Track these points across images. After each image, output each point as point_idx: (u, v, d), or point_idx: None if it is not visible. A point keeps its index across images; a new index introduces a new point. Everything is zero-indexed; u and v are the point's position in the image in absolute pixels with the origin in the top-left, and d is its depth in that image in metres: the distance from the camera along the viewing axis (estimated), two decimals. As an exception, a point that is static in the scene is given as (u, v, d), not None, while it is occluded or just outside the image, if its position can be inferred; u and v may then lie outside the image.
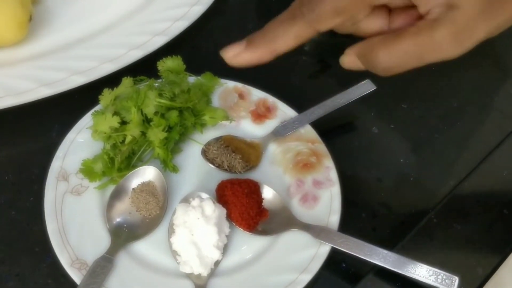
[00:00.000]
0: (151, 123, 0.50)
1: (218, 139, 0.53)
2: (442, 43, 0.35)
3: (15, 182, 0.52)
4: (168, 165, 0.51)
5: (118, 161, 0.49)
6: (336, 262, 0.47)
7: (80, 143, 0.52)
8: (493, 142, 0.56)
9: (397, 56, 0.36)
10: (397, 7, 0.39)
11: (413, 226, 0.50)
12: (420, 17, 0.37)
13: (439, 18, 0.35)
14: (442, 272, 0.44)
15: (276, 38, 0.37)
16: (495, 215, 0.51)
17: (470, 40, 0.36)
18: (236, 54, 0.39)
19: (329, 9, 0.36)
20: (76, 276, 0.43)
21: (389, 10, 0.40)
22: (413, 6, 0.38)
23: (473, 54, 0.38)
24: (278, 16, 0.38)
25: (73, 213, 0.47)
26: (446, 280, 0.44)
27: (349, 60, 0.40)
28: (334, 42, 0.71)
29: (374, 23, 0.40)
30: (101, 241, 0.46)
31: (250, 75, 0.61)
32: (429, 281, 0.43)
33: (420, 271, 0.44)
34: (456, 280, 0.43)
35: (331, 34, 0.70)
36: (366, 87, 0.57)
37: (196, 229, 0.45)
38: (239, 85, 0.58)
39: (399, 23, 0.40)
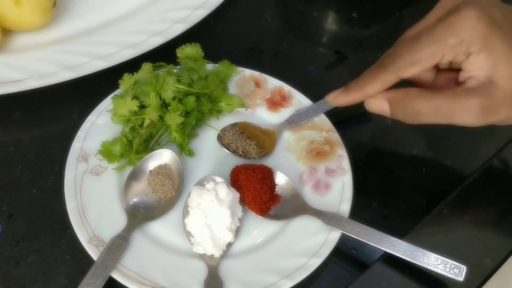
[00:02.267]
0: (169, 108, 0.51)
1: (233, 125, 0.54)
2: (471, 111, 0.41)
3: (37, 162, 0.53)
4: (184, 149, 0.52)
5: (136, 143, 0.50)
6: (346, 248, 0.48)
7: (100, 125, 0.53)
8: (506, 136, 0.56)
9: (431, 108, 0.42)
10: (444, 68, 0.46)
11: (423, 216, 0.50)
12: (457, 83, 0.43)
13: (476, 89, 0.41)
14: (450, 261, 0.44)
15: (367, 84, 0.46)
16: (505, 207, 0.51)
17: (494, 117, 0.41)
18: (336, 97, 0.49)
19: (407, 61, 0.43)
20: (93, 253, 0.45)
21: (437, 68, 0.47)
22: (457, 70, 0.44)
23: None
24: (370, 67, 0.47)
25: (92, 193, 0.49)
26: (454, 269, 0.44)
27: (377, 103, 0.45)
28: (350, 34, 0.72)
29: (425, 75, 0.47)
30: (118, 220, 0.48)
31: (267, 65, 0.63)
32: (438, 269, 0.44)
33: (428, 260, 0.45)
34: (464, 269, 0.44)
35: (348, 26, 0.71)
36: (381, 79, 0.57)
37: (210, 211, 0.46)
38: (256, 74, 0.59)
39: (441, 82, 0.47)
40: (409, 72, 0.43)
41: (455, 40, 0.41)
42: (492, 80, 0.40)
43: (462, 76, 0.42)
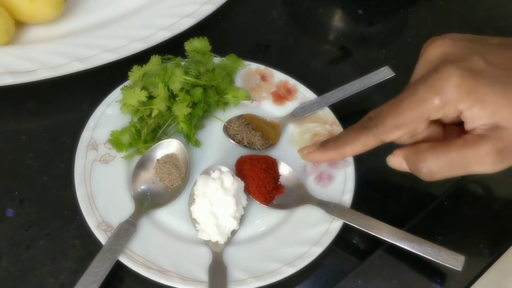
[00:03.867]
0: (176, 99, 0.53)
1: (239, 117, 0.56)
2: (486, 158, 0.38)
3: (48, 150, 0.55)
4: (191, 139, 0.53)
5: (144, 133, 0.52)
6: (347, 238, 0.49)
7: (110, 115, 0.54)
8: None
9: (443, 162, 0.40)
10: (448, 122, 0.43)
11: (424, 208, 0.51)
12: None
13: (486, 135, 0.39)
14: (449, 251, 0.45)
15: (346, 144, 0.44)
16: (504, 201, 0.52)
17: (511, 159, 0.39)
18: (310, 153, 0.47)
19: (390, 125, 0.41)
20: (101, 237, 0.46)
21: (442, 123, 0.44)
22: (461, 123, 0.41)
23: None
24: (350, 126, 0.45)
25: (101, 180, 0.50)
26: (453, 259, 0.45)
27: (397, 160, 0.44)
28: (355, 31, 0.73)
29: (431, 133, 0.43)
30: (125, 207, 0.49)
31: (273, 59, 0.64)
32: (437, 259, 0.45)
33: (428, 249, 0.46)
34: (462, 259, 0.45)
35: (353, 23, 0.72)
36: (384, 74, 0.59)
37: (215, 199, 0.48)
38: (262, 67, 0.60)
39: (453, 133, 0.43)
40: (393, 136, 0.42)
41: (440, 102, 0.39)
42: (498, 125, 0.38)
43: (467, 127, 0.40)
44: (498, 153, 0.38)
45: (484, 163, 0.39)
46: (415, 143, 0.43)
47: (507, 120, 0.38)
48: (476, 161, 0.39)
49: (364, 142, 0.43)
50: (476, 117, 0.39)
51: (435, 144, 0.41)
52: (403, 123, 0.41)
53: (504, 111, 0.38)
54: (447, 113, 0.39)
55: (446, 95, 0.38)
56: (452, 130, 0.43)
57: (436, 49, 0.41)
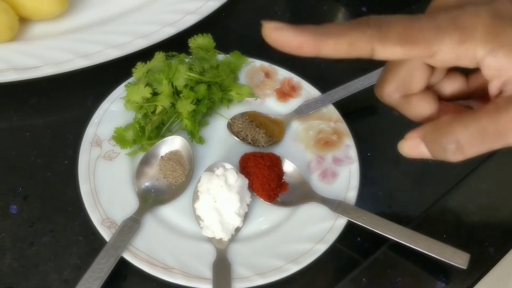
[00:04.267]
0: (180, 95, 0.53)
1: (243, 114, 0.56)
2: None
3: (51, 147, 0.55)
4: (195, 136, 0.53)
5: (148, 130, 0.52)
6: (351, 235, 0.49)
7: (114, 112, 0.54)
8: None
9: (475, 133, 0.32)
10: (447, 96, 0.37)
11: (428, 205, 0.51)
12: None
13: None
14: (454, 249, 0.45)
15: (329, 34, 0.32)
16: (510, 199, 0.52)
17: None
18: (278, 28, 0.32)
19: (397, 33, 0.31)
20: (105, 234, 0.46)
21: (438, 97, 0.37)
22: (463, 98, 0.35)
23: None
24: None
25: (105, 177, 0.50)
26: (458, 258, 0.45)
27: (412, 145, 0.35)
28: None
29: (450, 87, 0.37)
30: (129, 203, 0.49)
31: (277, 57, 0.63)
32: (441, 257, 0.45)
33: (432, 247, 0.45)
34: (467, 257, 0.45)
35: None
36: (389, 71, 0.58)
37: (219, 196, 0.47)
38: (266, 65, 0.60)
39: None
40: (390, 51, 0.31)
41: (459, 37, 0.32)
42: None
43: (493, 87, 0.34)
44: None
45: None
46: (433, 122, 0.34)
47: None
48: None
49: (353, 41, 0.31)
50: (503, 66, 0.32)
51: (460, 115, 0.33)
52: (410, 39, 0.32)
53: None
54: (461, 56, 0.32)
55: (468, 30, 0.32)
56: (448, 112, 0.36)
57: None
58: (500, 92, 0.33)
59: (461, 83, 0.37)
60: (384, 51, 0.31)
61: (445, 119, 0.33)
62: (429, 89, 0.36)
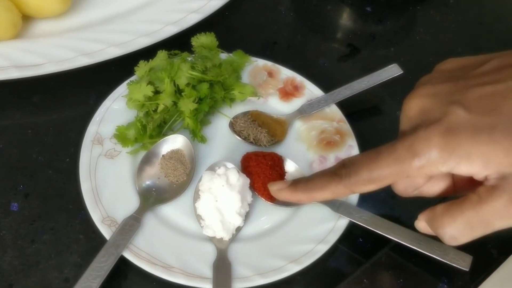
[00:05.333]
0: (182, 94, 0.53)
1: (245, 113, 0.55)
2: (506, 211, 0.35)
3: (53, 144, 0.55)
4: (197, 135, 0.53)
5: (150, 128, 0.52)
6: (353, 236, 0.49)
7: (115, 110, 0.54)
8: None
9: (462, 225, 0.36)
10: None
11: (431, 206, 0.51)
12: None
13: (498, 185, 0.34)
14: (457, 251, 0.45)
15: (315, 190, 0.42)
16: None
17: None
18: (280, 190, 0.46)
19: (364, 178, 0.38)
20: (106, 232, 0.46)
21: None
22: None
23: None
24: (323, 170, 0.43)
25: (106, 175, 0.50)
26: (460, 259, 0.45)
27: (423, 225, 0.41)
28: (363, 28, 0.73)
29: (437, 187, 0.41)
30: (130, 202, 0.49)
31: (280, 56, 0.63)
32: (444, 259, 0.45)
33: (435, 249, 0.45)
34: (470, 259, 0.44)
35: (361, 20, 0.71)
36: (393, 71, 0.58)
37: (220, 195, 0.47)
38: (269, 64, 0.59)
39: (463, 186, 0.40)
40: (365, 188, 0.39)
41: (419, 164, 0.35)
42: (503, 173, 0.34)
43: (477, 177, 0.36)
44: None
45: (505, 217, 0.35)
46: (433, 207, 0.39)
47: (505, 165, 0.34)
48: (496, 216, 0.35)
49: (334, 191, 0.41)
50: (472, 172, 0.35)
51: (449, 206, 0.37)
52: (377, 178, 0.38)
53: (499, 157, 0.34)
54: (432, 173, 0.36)
55: (425, 156, 0.35)
56: (463, 182, 0.40)
57: (414, 105, 0.38)
58: (485, 179, 0.35)
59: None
60: (361, 190, 0.40)
61: (438, 211, 0.38)
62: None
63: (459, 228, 0.36)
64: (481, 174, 0.35)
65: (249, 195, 0.49)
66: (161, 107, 0.52)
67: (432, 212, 0.39)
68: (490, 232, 0.36)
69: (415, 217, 0.50)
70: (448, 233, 0.37)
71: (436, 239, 0.45)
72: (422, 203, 0.51)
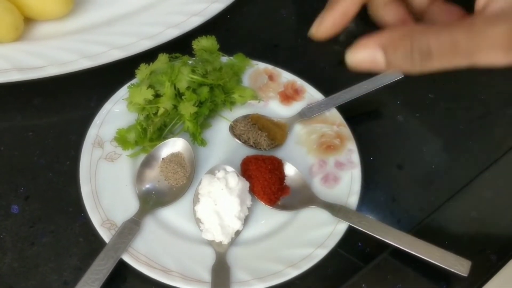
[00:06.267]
0: (183, 97, 0.53)
1: (246, 117, 0.55)
2: (498, 44, 0.31)
3: (54, 147, 0.55)
4: (197, 139, 0.53)
5: (150, 131, 0.52)
6: (352, 240, 0.49)
7: (116, 113, 0.54)
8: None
9: (448, 44, 0.31)
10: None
11: (430, 211, 0.51)
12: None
13: (500, 15, 0.31)
14: (455, 256, 0.45)
15: None
16: (512, 206, 0.51)
17: None
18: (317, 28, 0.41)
19: None
20: (105, 235, 0.46)
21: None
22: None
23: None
24: None
25: (106, 178, 0.50)
26: (459, 265, 0.45)
27: (366, 54, 0.35)
28: (364, 32, 0.72)
29: (392, 13, 0.37)
30: (130, 205, 0.49)
31: (281, 59, 0.63)
32: (442, 264, 0.45)
33: (434, 254, 0.45)
34: (468, 264, 0.44)
35: (362, 23, 0.71)
36: (394, 75, 0.58)
37: (219, 199, 0.47)
38: (269, 67, 0.60)
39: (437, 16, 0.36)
40: None
41: None
42: None
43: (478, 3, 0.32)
44: (510, 39, 0.30)
45: (494, 51, 0.31)
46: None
47: None
48: (485, 46, 0.31)
49: None
50: None
51: (433, 25, 0.33)
52: None
53: None
54: None
55: None
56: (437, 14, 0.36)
57: None
58: (484, 7, 0.32)
59: None
60: None
61: (417, 27, 0.33)
62: None
63: (442, 45, 0.32)
64: None
65: (248, 199, 0.49)
66: (161, 111, 0.52)
67: (403, 31, 0.34)
68: (466, 64, 0.32)
69: (415, 222, 0.50)
70: (427, 46, 0.32)
71: (435, 244, 0.45)
72: (421, 205, 0.52)
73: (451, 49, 0.31)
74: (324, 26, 0.40)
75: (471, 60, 0.32)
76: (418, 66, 0.33)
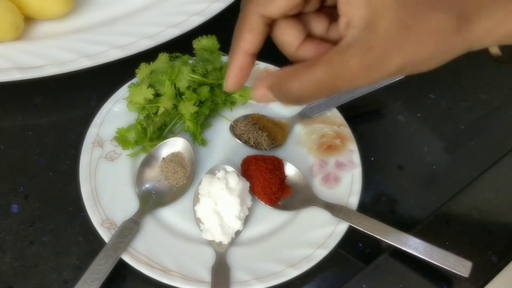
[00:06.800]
0: (183, 97, 0.52)
1: (246, 117, 0.55)
2: (353, 74, 0.32)
3: (54, 146, 0.55)
4: (197, 138, 0.53)
5: (150, 131, 0.52)
6: (353, 241, 0.49)
7: (116, 112, 0.54)
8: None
9: (310, 86, 0.34)
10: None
11: (431, 212, 0.51)
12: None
13: (353, 44, 0.32)
14: (456, 257, 0.45)
15: (238, 43, 0.39)
16: (514, 205, 0.51)
17: (381, 72, 0.32)
18: (228, 84, 0.40)
19: None
20: (105, 235, 0.46)
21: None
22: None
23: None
24: None
25: (106, 177, 0.50)
26: (460, 265, 0.44)
27: (260, 94, 0.37)
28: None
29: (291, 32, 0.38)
30: (130, 205, 0.49)
31: (282, 60, 0.63)
32: (443, 264, 0.44)
33: (434, 255, 0.45)
34: (469, 265, 0.44)
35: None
36: (394, 75, 0.58)
37: (219, 199, 0.47)
38: (270, 67, 0.59)
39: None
40: (273, 7, 0.34)
41: None
42: (372, 22, 0.31)
43: (341, 24, 0.33)
44: (366, 68, 0.31)
45: (352, 80, 0.32)
46: (277, 71, 0.36)
47: (381, 14, 0.30)
48: (343, 79, 0.32)
49: (250, 26, 0.36)
50: (353, 1, 0.31)
51: (299, 66, 0.34)
52: None
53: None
54: None
55: None
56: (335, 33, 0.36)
57: None
58: (341, 38, 0.33)
59: (325, 25, 0.37)
60: (271, 11, 0.35)
61: (288, 71, 0.34)
62: (299, 20, 0.36)
63: (306, 88, 0.33)
64: (357, 11, 0.31)
65: (248, 199, 0.49)
66: (161, 110, 0.52)
67: (279, 73, 0.35)
68: (333, 94, 0.34)
69: (415, 222, 0.50)
70: (296, 93, 0.33)
71: (436, 244, 0.45)
72: (422, 206, 0.52)
73: (316, 89, 0.33)
74: (231, 83, 0.40)
75: (334, 91, 0.34)
76: (298, 105, 0.38)
